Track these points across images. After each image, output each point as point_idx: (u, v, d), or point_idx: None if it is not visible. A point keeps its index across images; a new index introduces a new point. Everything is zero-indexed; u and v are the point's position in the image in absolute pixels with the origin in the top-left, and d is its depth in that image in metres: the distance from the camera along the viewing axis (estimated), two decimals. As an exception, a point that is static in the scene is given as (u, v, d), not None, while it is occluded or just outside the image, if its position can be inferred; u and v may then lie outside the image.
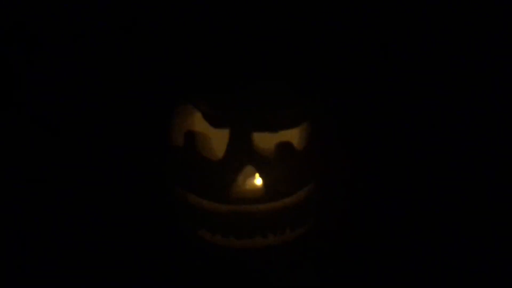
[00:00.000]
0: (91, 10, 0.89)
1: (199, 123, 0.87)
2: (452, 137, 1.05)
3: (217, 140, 0.87)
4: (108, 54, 0.94)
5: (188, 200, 0.90)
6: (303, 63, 0.94)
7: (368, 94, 1.00)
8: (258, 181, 0.89)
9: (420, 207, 1.04)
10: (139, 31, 0.93)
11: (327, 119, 0.90)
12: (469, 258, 0.94)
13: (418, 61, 1.00)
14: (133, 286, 0.90)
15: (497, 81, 1.01)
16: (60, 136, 0.96)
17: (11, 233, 0.96)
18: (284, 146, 0.85)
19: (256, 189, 0.88)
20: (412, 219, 1.03)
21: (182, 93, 0.88)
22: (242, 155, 0.84)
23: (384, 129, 1.03)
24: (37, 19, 0.89)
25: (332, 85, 0.96)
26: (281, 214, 0.89)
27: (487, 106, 1.03)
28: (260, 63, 0.90)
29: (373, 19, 0.95)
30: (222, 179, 0.85)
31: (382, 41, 0.96)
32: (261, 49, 0.90)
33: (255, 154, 0.84)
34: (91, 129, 0.98)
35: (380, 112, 1.01)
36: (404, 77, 1.00)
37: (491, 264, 0.92)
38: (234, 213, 0.87)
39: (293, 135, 0.87)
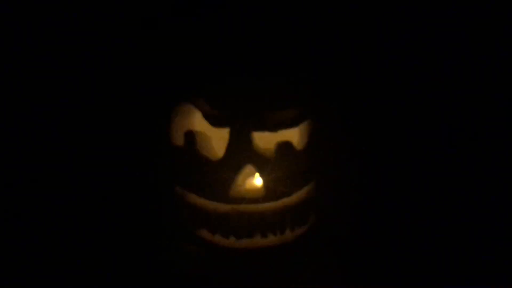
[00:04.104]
0: (91, 10, 0.89)
1: (199, 122, 0.87)
2: (456, 136, 1.05)
3: (217, 140, 0.87)
4: (108, 54, 0.94)
5: (188, 200, 0.89)
6: (303, 62, 0.94)
7: (370, 93, 0.99)
8: (257, 181, 0.89)
9: (422, 207, 1.04)
10: (139, 31, 0.93)
11: (327, 118, 0.90)
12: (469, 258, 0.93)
13: (421, 59, 1.00)
14: (132, 286, 0.90)
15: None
16: (59, 136, 0.96)
17: (9, 233, 0.96)
18: (284, 146, 0.85)
19: (256, 188, 0.87)
20: (413, 219, 1.02)
21: (182, 93, 0.88)
22: (242, 154, 0.84)
23: (385, 128, 1.02)
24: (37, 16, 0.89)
25: (333, 85, 0.95)
26: (281, 213, 0.89)
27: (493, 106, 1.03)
28: (260, 63, 0.90)
29: (375, 17, 0.95)
30: (222, 179, 0.85)
31: (384, 39, 0.96)
32: (261, 48, 0.90)
33: (255, 154, 0.84)
34: (91, 129, 0.98)
35: (381, 111, 1.01)
36: (406, 75, 1.00)
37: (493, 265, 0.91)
38: (234, 212, 0.87)
39: (293, 135, 0.87)
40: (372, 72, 0.98)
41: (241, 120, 0.83)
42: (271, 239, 0.91)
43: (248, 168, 0.85)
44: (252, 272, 0.94)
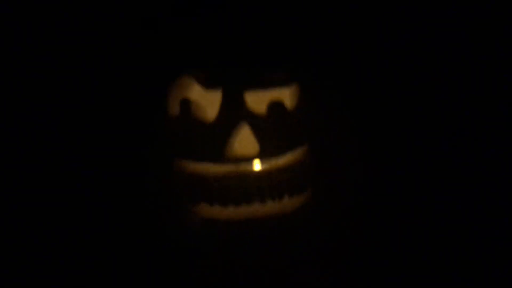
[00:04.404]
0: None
1: (194, 91, 0.90)
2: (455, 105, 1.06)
3: (211, 107, 0.90)
4: (107, 34, 0.97)
5: (185, 170, 0.91)
6: (292, 26, 0.98)
7: (362, 58, 1.03)
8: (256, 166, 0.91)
9: (419, 176, 1.05)
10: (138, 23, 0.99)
11: (317, 82, 0.94)
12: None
13: (415, 30, 1.03)
14: (131, 265, 0.90)
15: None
16: (57, 111, 0.97)
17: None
18: (276, 105, 0.90)
19: (251, 147, 0.89)
20: (411, 186, 1.04)
21: (178, 66, 0.92)
22: (235, 112, 0.88)
23: (377, 95, 1.05)
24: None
25: (323, 50, 1.00)
26: (278, 175, 0.91)
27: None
28: (250, 27, 0.95)
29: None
30: (217, 138, 0.88)
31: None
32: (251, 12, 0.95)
33: (248, 112, 0.88)
34: (88, 109, 0.99)
35: (373, 77, 1.04)
36: (401, 45, 1.03)
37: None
38: (232, 174, 0.89)
39: (284, 96, 0.91)
40: (363, 38, 1.02)
41: (232, 80, 0.88)
42: (270, 206, 0.92)
43: (242, 126, 0.88)
44: (251, 247, 0.93)
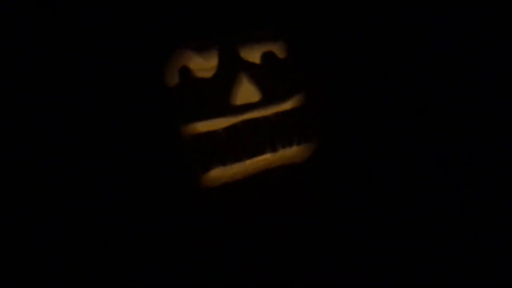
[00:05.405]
0: None
1: (191, 60, 0.94)
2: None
3: (210, 69, 0.94)
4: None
5: (195, 132, 0.92)
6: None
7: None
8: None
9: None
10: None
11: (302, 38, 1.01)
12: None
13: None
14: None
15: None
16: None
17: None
18: (268, 55, 0.96)
19: (253, 94, 0.93)
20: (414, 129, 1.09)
21: (172, 39, 0.96)
22: (233, 65, 0.93)
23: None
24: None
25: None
26: (283, 121, 0.95)
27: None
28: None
29: None
30: (220, 92, 0.91)
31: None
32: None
33: (244, 62, 0.93)
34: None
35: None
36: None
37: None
38: (241, 124, 0.92)
39: (274, 48, 0.98)
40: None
41: (226, 39, 0.94)
42: (281, 155, 0.95)
43: (241, 75, 0.92)
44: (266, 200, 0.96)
